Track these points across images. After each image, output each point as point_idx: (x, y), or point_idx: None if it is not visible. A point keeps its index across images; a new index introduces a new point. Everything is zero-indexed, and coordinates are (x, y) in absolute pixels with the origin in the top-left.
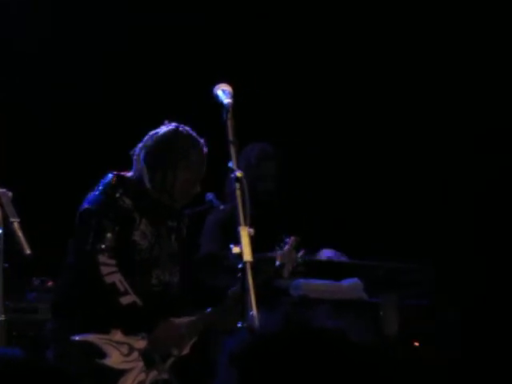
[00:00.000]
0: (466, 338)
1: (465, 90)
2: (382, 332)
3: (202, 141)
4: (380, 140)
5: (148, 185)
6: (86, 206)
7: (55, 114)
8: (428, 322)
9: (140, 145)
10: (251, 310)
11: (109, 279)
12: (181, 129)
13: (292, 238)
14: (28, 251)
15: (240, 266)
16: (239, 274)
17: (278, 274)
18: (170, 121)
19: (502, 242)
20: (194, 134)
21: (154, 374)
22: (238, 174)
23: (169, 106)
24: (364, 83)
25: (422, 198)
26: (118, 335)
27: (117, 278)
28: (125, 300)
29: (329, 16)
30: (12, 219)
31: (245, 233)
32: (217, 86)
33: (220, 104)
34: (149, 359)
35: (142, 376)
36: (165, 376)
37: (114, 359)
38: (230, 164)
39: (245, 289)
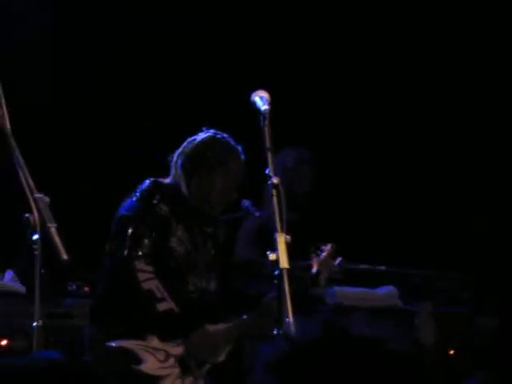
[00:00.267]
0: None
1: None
2: (417, 340)
3: (239, 148)
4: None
5: (185, 191)
6: (123, 212)
7: (92, 120)
8: (465, 330)
9: (178, 151)
10: (287, 318)
11: (146, 285)
12: (218, 136)
13: (329, 245)
14: (65, 256)
15: (276, 272)
16: (275, 281)
17: (314, 282)
18: (208, 128)
19: None
20: (232, 141)
21: (189, 380)
22: (275, 180)
23: (207, 113)
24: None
25: (460, 205)
26: (154, 341)
27: (154, 285)
28: (162, 306)
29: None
30: (49, 224)
31: (281, 239)
32: (254, 93)
33: (257, 111)
34: (185, 365)
35: (178, 382)
36: (200, 383)
37: (150, 365)
38: (267, 171)
39: (281, 296)
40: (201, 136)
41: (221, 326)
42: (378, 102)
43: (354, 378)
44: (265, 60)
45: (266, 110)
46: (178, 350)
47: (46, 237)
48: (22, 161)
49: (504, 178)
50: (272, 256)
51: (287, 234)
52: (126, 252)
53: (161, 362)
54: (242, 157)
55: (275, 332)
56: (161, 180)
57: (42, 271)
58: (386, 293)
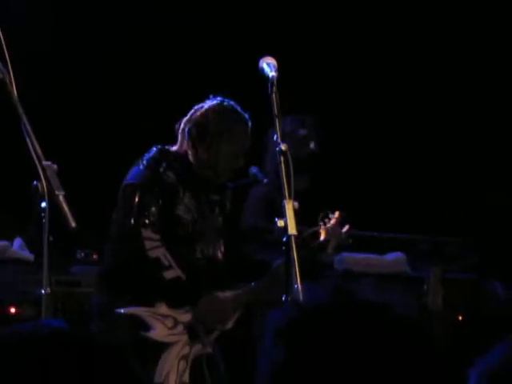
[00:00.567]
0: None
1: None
2: (426, 306)
3: (246, 115)
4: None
5: (192, 159)
6: (129, 180)
7: (100, 87)
8: (473, 296)
9: (184, 119)
10: (296, 284)
11: (153, 254)
12: (225, 103)
13: (336, 213)
14: (73, 224)
15: (284, 239)
16: (284, 248)
17: (322, 250)
18: (215, 95)
19: None
20: (239, 108)
21: (197, 347)
22: (283, 147)
23: (214, 80)
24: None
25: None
26: (162, 308)
27: (161, 253)
28: (169, 274)
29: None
30: (57, 192)
31: (289, 206)
32: (262, 60)
33: (265, 77)
34: (193, 332)
35: (186, 349)
36: (209, 350)
37: (159, 332)
38: (275, 137)
39: (289, 262)
40: (208, 103)
41: (228, 293)
42: (387, 66)
43: (361, 343)
44: (272, 26)
45: (273, 76)
46: (186, 316)
47: (54, 204)
48: (29, 128)
49: None
50: (280, 222)
51: (295, 200)
52: (132, 220)
53: (169, 328)
54: (249, 124)
55: (283, 298)
56: (167, 147)
57: (50, 239)
58: (395, 259)
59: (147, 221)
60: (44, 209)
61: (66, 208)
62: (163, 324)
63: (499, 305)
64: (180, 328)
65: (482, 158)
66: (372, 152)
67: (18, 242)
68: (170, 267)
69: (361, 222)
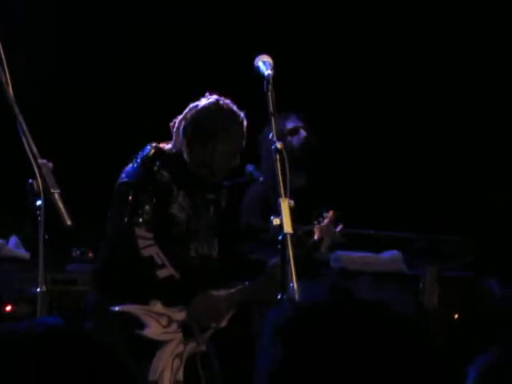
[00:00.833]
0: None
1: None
2: (422, 304)
3: (242, 114)
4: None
5: (187, 157)
6: (123, 178)
7: (100, 87)
8: (469, 294)
9: (180, 117)
10: (291, 282)
11: (146, 252)
12: (221, 102)
13: (330, 212)
14: (68, 222)
15: (280, 237)
16: (279, 246)
17: (315, 249)
18: (211, 93)
19: None
20: (235, 107)
21: (192, 345)
22: (278, 145)
23: (209, 79)
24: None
25: (463, 169)
26: (157, 306)
27: (154, 251)
28: (162, 273)
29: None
30: (52, 190)
31: (285, 204)
32: (257, 58)
33: (261, 76)
34: (187, 331)
35: (181, 348)
36: (203, 348)
37: (154, 330)
38: (270, 135)
39: (285, 261)
40: (203, 102)
41: (223, 292)
42: (382, 64)
43: (358, 341)
44: (268, 25)
45: (269, 74)
46: (180, 315)
47: (49, 203)
48: (24, 127)
49: None
50: (276, 221)
51: (291, 198)
52: (126, 218)
53: (164, 327)
54: (245, 123)
55: (279, 297)
56: (162, 146)
57: (46, 237)
58: (391, 257)
59: (141, 219)
60: (39, 207)
61: (61, 206)
62: (158, 322)
63: (495, 303)
64: (174, 326)
65: (479, 155)
66: (368, 150)
67: (13, 240)
68: (163, 266)
69: (357, 220)
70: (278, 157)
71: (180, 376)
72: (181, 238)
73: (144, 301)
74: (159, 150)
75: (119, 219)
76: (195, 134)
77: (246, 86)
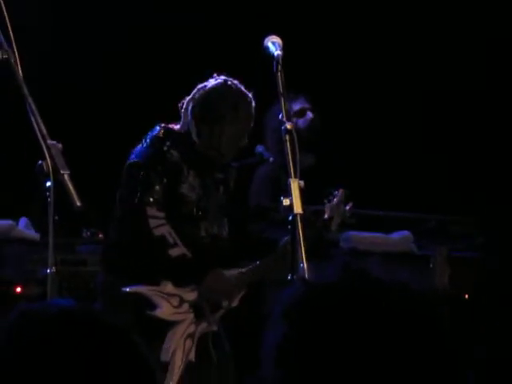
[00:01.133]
0: None
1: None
2: (432, 284)
3: (250, 94)
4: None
5: (195, 138)
6: (133, 158)
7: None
8: (479, 275)
9: (188, 98)
10: (301, 263)
11: (158, 232)
12: (229, 82)
13: (340, 190)
14: (78, 203)
15: (290, 218)
16: (289, 227)
17: (326, 228)
18: (219, 74)
19: None
20: (243, 88)
21: (203, 325)
22: (288, 125)
23: (217, 59)
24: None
25: (474, 150)
26: (168, 287)
27: (166, 231)
28: (174, 252)
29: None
30: (62, 171)
31: (295, 185)
32: (267, 38)
33: (270, 56)
34: (199, 311)
35: (192, 328)
36: (214, 328)
37: (165, 311)
38: (280, 116)
39: (295, 241)
40: (211, 83)
41: (234, 271)
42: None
43: (371, 321)
44: (278, 5)
45: (278, 55)
46: (192, 295)
47: (59, 184)
48: (34, 107)
49: None
50: (286, 201)
51: (301, 179)
52: (137, 199)
53: (175, 307)
54: (253, 103)
55: (289, 277)
56: (171, 126)
57: (56, 218)
58: (401, 238)
59: (151, 199)
60: (49, 188)
61: (71, 187)
62: (169, 303)
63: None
64: (186, 307)
65: (489, 138)
66: (378, 130)
67: (23, 221)
68: (175, 245)
69: (367, 201)
70: (287, 137)
71: (192, 356)
72: (191, 218)
73: (155, 281)
74: (168, 130)
75: (130, 199)
76: (203, 116)
77: (254, 66)
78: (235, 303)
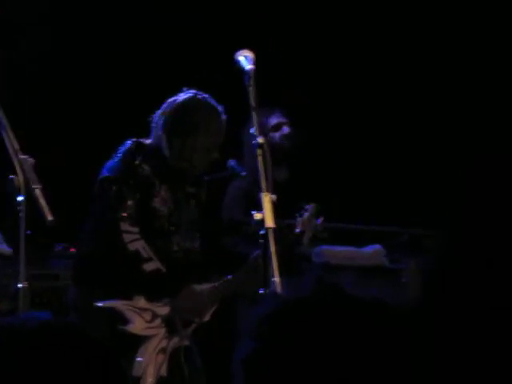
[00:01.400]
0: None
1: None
2: (404, 298)
3: (220, 108)
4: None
5: (166, 152)
6: (105, 173)
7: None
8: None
9: (159, 112)
10: (273, 277)
11: (132, 246)
12: (199, 96)
13: (312, 205)
14: (50, 218)
15: (262, 232)
16: (261, 241)
17: (297, 242)
18: (189, 88)
19: None
20: (213, 101)
21: (175, 340)
22: (260, 140)
23: (187, 74)
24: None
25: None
26: (141, 301)
27: (140, 245)
28: (149, 266)
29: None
30: (34, 186)
31: (267, 199)
32: (239, 53)
33: (242, 70)
34: (171, 326)
35: (164, 343)
36: (186, 343)
37: (137, 325)
38: (252, 130)
39: (267, 255)
40: (181, 97)
41: (206, 286)
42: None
43: (343, 336)
44: (250, 20)
45: (250, 69)
46: (164, 309)
47: (31, 198)
48: (5, 121)
49: None
50: (257, 215)
51: (274, 193)
52: (110, 214)
53: (147, 322)
54: (223, 117)
55: (261, 291)
56: (142, 140)
57: (28, 233)
58: (373, 251)
59: (125, 214)
60: (21, 202)
61: (42, 201)
62: (141, 317)
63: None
64: (158, 321)
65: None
66: (351, 145)
67: None
68: (149, 259)
69: (339, 215)
70: (259, 152)
71: (164, 371)
72: (163, 232)
73: (128, 295)
74: (140, 145)
75: (103, 214)
76: (174, 130)
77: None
78: (207, 318)
